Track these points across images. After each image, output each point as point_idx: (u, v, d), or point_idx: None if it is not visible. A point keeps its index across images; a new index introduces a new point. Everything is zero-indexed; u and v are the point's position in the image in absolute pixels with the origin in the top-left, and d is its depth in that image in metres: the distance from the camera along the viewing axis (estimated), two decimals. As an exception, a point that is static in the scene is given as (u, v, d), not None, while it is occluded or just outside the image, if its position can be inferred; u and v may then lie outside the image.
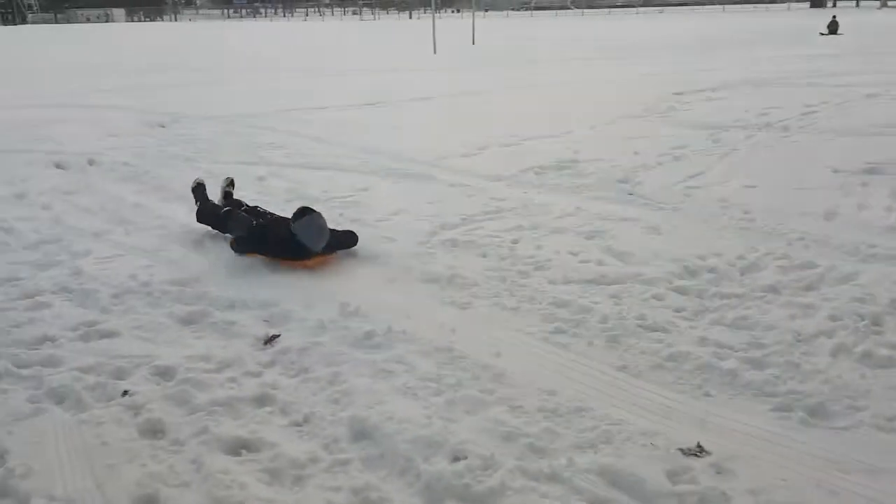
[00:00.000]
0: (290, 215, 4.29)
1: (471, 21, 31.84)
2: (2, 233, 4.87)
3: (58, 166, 7.21)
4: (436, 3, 30.05)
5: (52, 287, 3.83)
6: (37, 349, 3.11)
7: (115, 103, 11.91)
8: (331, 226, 4.27)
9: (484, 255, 4.31)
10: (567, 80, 14.42)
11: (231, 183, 5.31)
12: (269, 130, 9.15)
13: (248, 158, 7.49)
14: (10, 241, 4.70)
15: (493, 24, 50.64)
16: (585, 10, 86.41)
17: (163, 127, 9.60)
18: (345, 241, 4.42)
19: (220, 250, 4.46)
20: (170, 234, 4.87)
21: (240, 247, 4.32)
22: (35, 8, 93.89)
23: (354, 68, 18.36)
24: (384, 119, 10.08)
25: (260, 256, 4.24)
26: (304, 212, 4.23)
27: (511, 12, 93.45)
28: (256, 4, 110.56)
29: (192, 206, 5.05)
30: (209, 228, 4.80)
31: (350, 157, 7.50)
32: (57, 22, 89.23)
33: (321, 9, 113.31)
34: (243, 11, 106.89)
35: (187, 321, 3.41)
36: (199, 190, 5.21)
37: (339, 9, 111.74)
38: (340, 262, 4.26)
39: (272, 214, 4.75)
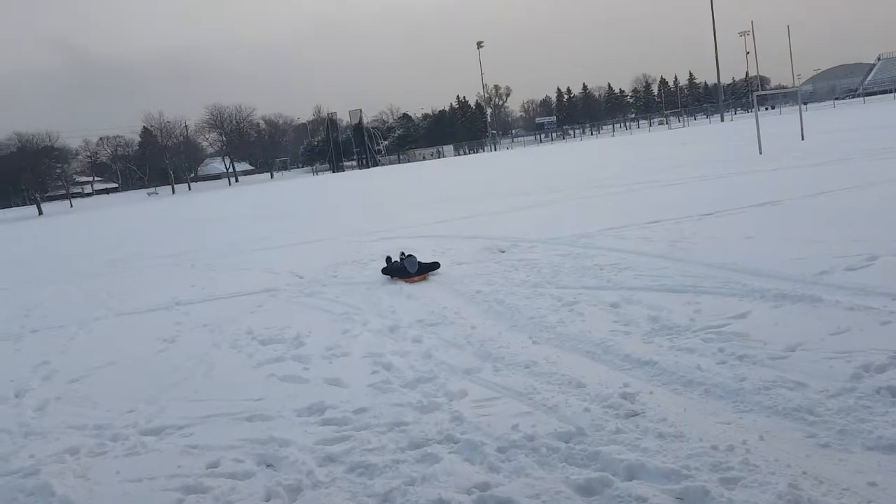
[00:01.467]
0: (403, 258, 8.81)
1: (792, 116, 29.29)
2: (383, 370, 5.07)
3: (409, 298, 7.63)
4: (755, 103, 28.23)
5: (437, 436, 3.72)
6: (438, 515, 2.90)
7: (453, 232, 12.76)
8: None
9: (949, 412, 3.24)
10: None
11: (402, 252, 9.14)
12: (608, 250, 8.82)
13: (594, 283, 7.17)
14: (391, 379, 4.84)
15: (818, 117, 46.03)
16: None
17: (503, 252, 9.86)
18: (431, 267, 8.68)
19: (599, 388, 4.07)
20: (539, 373, 4.60)
21: (384, 273, 8.94)
22: (383, 152, 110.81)
23: (676, 178, 17.62)
24: (730, 229, 9.15)
25: (389, 277, 8.77)
26: (410, 255, 8.68)
27: (837, 102, 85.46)
28: (565, 127, 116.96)
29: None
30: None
31: (707, 276, 6.75)
32: (400, 161, 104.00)
33: (627, 123, 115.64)
34: (553, 135, 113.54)
35: (587, 490, 2.97)
36: (388, 259, 9.40)
37: (644, 120, 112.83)
38: (761, 419, 3.51)
39: (405, 256, 8.78)
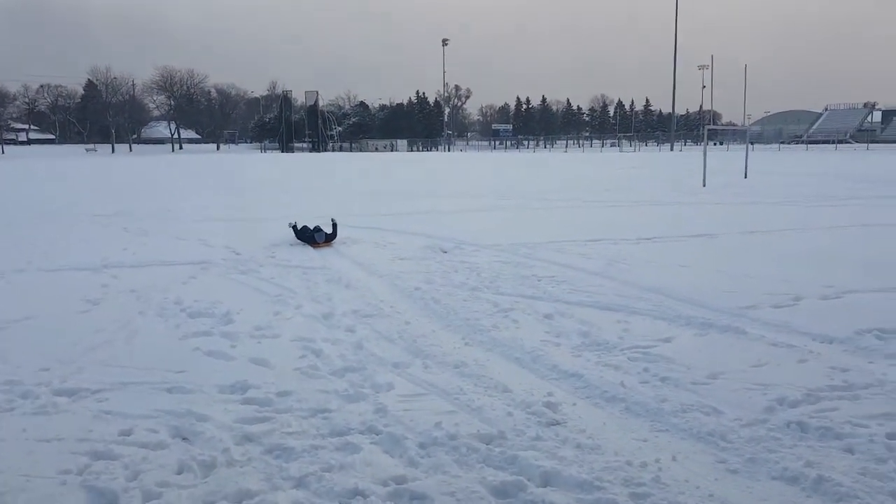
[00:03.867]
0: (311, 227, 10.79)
1: (738, 154, 30.32)
2: (312, 355, 5.01)
3: (347, 287, 7.58)
4: (705, 136, 29.15)
5: (360, 426, 3.70)
6: (349, 504, 2.88)
7: (400, 227, 12.71)
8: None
9: (850, 451, 3.41)
10: (868, 221, 12.64)
11: (318, 227, 10.84)
12: (547, 262, 8.95)
13: (531, 292, 7.26)
14: (319, 365, 4.80)
15: (762, 158, 47.74)
16: (870, 145, 79.10)
17: (445, 252, 9.88)
18: (332, 237, 10.62)
19: (524, 395, 4.11)
20: (467, 374, 4.63)
21: (296, 238, 10.64)
22: (336, 138, 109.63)
23: (621, 200, 18.01)
24: (665, 256, 9.41)
25: (300, 243, 10.52)
26: (318, 229, 10.51)
27: (782, 146, 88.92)
28: (520, 137, 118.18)
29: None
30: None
31: (638, 297, 6.93)
32: (352, 150, 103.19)
33: (581, 140, 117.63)
34: (507, 143, 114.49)
35: (501, 493, 3.00)
36: (294, 225, 10.88)
37: (598, 140, 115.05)
38: (676, 440, 3.62)
39: (314, 228, 10.62)
